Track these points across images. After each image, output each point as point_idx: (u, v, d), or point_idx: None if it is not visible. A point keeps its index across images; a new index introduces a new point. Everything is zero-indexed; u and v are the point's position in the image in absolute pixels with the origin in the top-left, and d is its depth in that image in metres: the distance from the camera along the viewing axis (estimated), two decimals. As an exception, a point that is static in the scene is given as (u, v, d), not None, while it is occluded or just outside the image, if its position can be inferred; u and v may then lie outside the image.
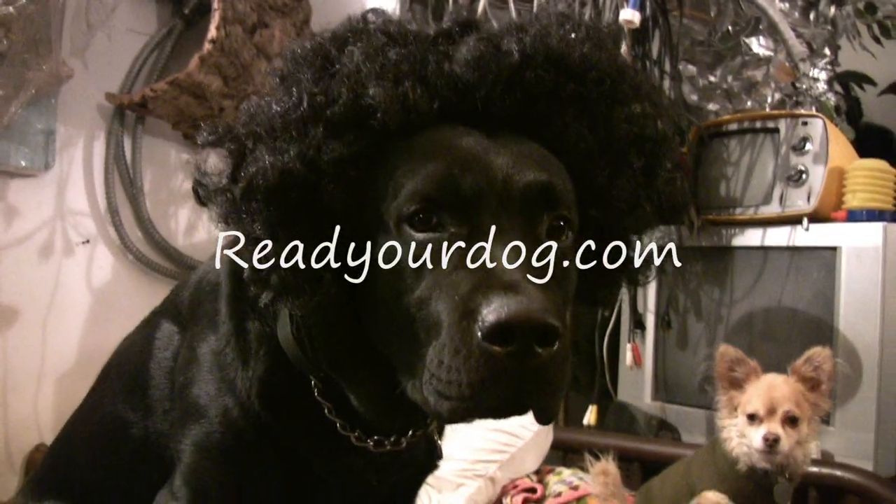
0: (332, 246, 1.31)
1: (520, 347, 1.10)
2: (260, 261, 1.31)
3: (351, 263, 1.32)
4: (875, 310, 3.04)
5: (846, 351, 3.05)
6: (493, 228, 1.23)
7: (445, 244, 1.24)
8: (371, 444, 1.50)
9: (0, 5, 3.01)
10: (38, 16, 3.14)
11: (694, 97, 3.97)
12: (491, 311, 1.10)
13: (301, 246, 1.30)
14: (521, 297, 1.11)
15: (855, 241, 3.11)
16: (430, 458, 1.72)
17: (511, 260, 1.19)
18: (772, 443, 2.31)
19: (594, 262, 1.43)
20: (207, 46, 3.23)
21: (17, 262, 3.36)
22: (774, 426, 2.33)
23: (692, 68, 3.97)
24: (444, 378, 1.16)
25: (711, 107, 3.94)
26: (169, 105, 3.37)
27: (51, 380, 3.44)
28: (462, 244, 1.23)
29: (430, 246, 1.25)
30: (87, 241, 3.54)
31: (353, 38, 1.36)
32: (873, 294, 3.05)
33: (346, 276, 1.33)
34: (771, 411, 2.35)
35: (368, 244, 1.31)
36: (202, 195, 1.39)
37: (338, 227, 1.31)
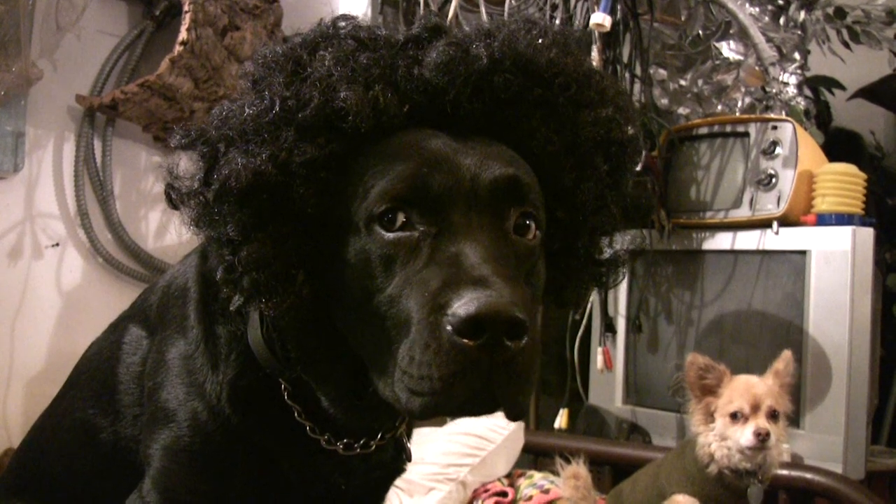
0: (302, 247, 1.33)
1: (489, 340, 1.11)
2: (232, 263, 1.32)
3: (322, 265, 1.34)
4: (844, 313, 3.06)
5: (815, 354, 3.07)
6: (462, 225, 1.25)
7: (415, 242, 1.25)
8: (341, 447, 1.50)
9: (-31, 7, 2.99)
10: (7, 17, 3.13)
11: (664, 101, 3.98)
12: (461, 305, 1.12)
13: (274, 248, 1.31)
14: (490, 291, 1.13)
15: (824, 244, 3.13)
16: (397, 460, 1.72)
17: (480, 256, 1.20)
18: (764, 437, 2.32)
19: (562, 263, 1.46)
20: (178, 48, 3.22)
21: (-15, 264, 3.34)
22: (762, 421, 2.35)
23: (663, 72, 3.98)
24: (416, 374, 1.17)
25: (682, 111, 3.95)
26: (139, 107, 3.36)
27: (19, 383, 3.42)
28: (431, 242, 1.24)
29: (399, 244, 1.26)
30: (57, 244, 3.52)
31: (323, 43, 1.37)
32: (842, 297, 3.06)
33: (318, 277, 1.34)
34: (755, 408, 2.37)
35: (340, 245, 1.32)
36: (174, 198, 1.39)
37: (309, 229, 1.33)
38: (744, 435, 2.35)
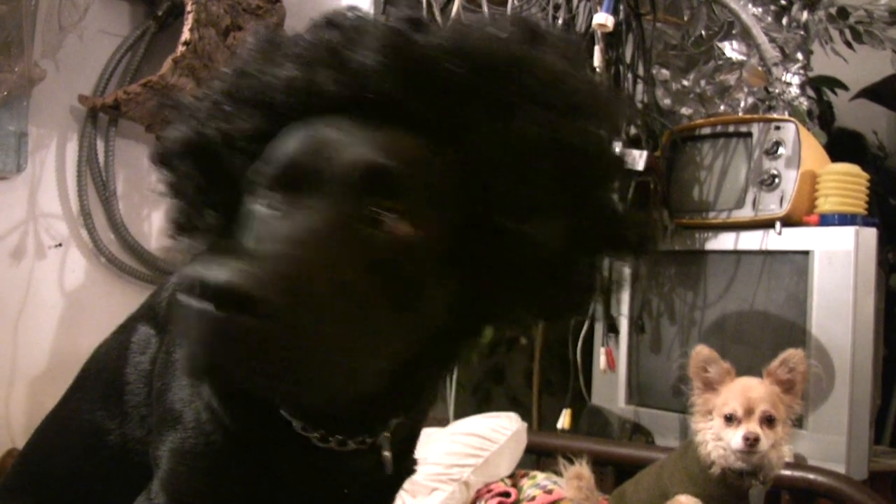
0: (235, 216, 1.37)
1: (218, 308, 1.06)
2: (173, 224, 1.40)
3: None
4: (847, 313, 3.06)
5: (818, 354, 3.06)
6: (305, 208, 1.22)
7: (267, 220, 1.25)
8: (316, 436, 1.44)
9: (-29, 7, 3.00)
10: (10, 17, 3.13)
11: (667, 101, 3.98)
12: (200, 269, 1.08)
13: (208, 213, 1.39)
14: (239, 263, 1.08)
15: (827, 244, 3.13)
16: (404, 462, 1.70)
17: (285, 234, 1.18)
18: (752, 442, 2.31)
19: (501, 277, 1.34)
20: (180, 48, 3.22)
21: (-12, 264, 3.35)
22: (753, 426, 2.33)
23: (665, 72, 3.98)
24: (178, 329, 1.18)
25: (684, 111, 3.94)
26: (142, 107, 3.36)
27: (22, 384, 3.42)
28: (277, 220, 1.24)
29: (260, 219, 1.27)
30: (60, 245, 3.53)
31: (309, 28, 1.39)
32: (845, 298, 3.06)
33: None
34: (749, 412, 2.35)
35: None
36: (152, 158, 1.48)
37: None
38: (734, 438, 2.35)
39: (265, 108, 1.34)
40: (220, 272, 1.06)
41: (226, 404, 1.49)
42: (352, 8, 1.42)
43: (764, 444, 2.33)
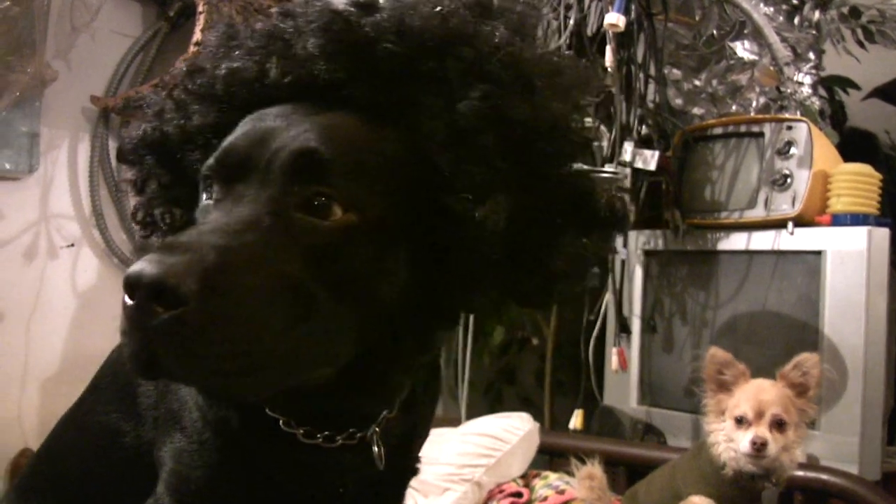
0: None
1: (134, 300, 1.07)
2: (133, 217, 1.42)
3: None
4: (860, 313, 3.05)
5: (831, 355, 3.06)
6: (236, 196, 1.22)
7: (209, 210, 1.26)
8: (301, 432, 1.43)
9: (-17, 8, 3.00)
10: (22, 18, 3.14)
11: (679, 101, 3.97)
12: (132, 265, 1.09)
13: (170, 207, 1.42)
14: (160, 256, 1.07)
15: (839, 244, 3.12)
16: (407, 461, 1.69)
17: (212, 226, 1.17)
18: (759, 447, 2.31)
19: (453, 261, 1.31)
20: (192, 49, 3.23)
21: (0, 265, 3.35)
22: (762, 430, 2.33)
23: (677, 72, 3.97)
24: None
25: (696, 111, 3.94)
26: (154, 108, 3.36)
27: (35, 383, 3.43)
28: (211, 210, 1.24)
29: (202, 212, 1.29)
30: (72, 245, 3.54)
31: (268, 19, 1.40)
32: (858, 298, 3.06)
33: None
34: (759, 415, 2.35)
35: None
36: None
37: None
38: (743, 441, 2.34)
39: (218, 102, 1.36)
40: (138, 265, 1.07)
41: (211, 403, 1.49)
42: None
43: (772, 449, 2.32)
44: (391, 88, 1.28)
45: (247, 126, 1.29)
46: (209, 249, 1.10)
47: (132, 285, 1.06)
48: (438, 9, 1.32)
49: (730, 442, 2.39)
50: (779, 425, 2.35)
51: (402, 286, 1.31)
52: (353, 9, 1.33)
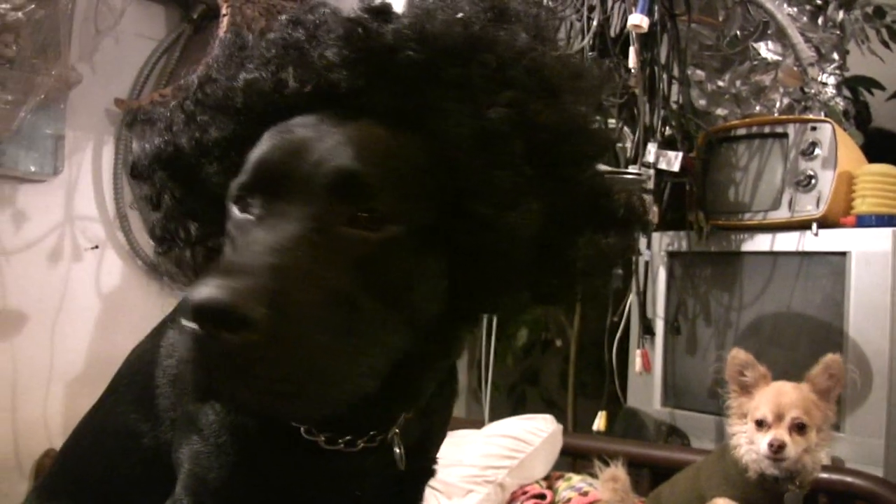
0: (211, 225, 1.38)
1: (202, 328, 1.06)
2: (150, 234, 1.41)
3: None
4: (885, 315, 3.04)
5: (856, 356, 3.05)
6: (279, 213, 1.21)
7: (246, 227, 1.24)
8: (322, 439, 1.43)
9: (8, 11, 3.01)
10: (47, 21, 3.15)
11: (702, 102, 3.96)
12: (191, 291, 1.07)
13: (184, 223, 1.39)
14: (223, 280, 1.07)
15: (864, 246, 3.11)
16: (422, 462, 1.68)
17: (264, 244, 1.16)
18: (777, 449, 2.30)
19: (480, 265, 1.32)
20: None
21: (25, 267, 3.37)
22: (781, 433, 2.32)
23: (700, 73, 3.96)
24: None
25: (720, 112, 3.93)
26: (177, 110, 3.37)
27: (60, 385, 3.45)
28: (252, 227, 1.23)
29: (237, 228, 1.26)
30: (97, 247, 3.55)
31: (275, 27, 1.38)
32: (883, 299, 3.04)
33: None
34: (778, 418, 2.34)
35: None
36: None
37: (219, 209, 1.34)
38: (761, 444, 2.33)
39: (235, 113, 1.34)
40: (201, 290, 1.05)
41: (229, 408, 1.49)
42: (320, 4, 1.41)
43: (791, 451, 2.31)
44: (412, 95, 1.28)
45: (275, 138, 1.28)
46: (268, 271, 1.10)
47: (200, 312, 1.05)
48: (460, 15, 1.32)
49: (751, 444, 2.38)
50: (799, 428, 2.34)
51: (436, 292, 1.32)
52: (368, 16, 1.32)
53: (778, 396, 2.37)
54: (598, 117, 1.41)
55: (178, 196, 1.38)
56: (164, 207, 1.40)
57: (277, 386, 1.10)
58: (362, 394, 1.23)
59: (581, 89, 1.37)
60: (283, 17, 1.39)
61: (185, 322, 1.08)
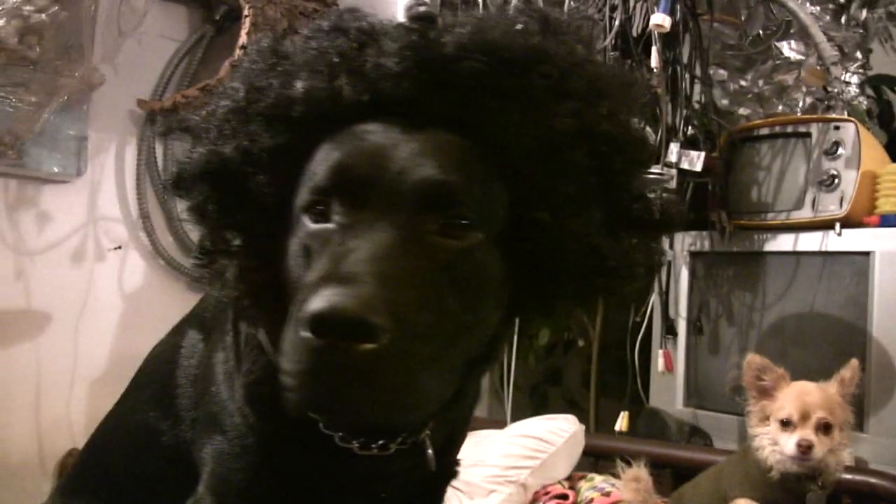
0: (260, 238, 1.36)
1: (330, 340, 1.06)
2: (198, 247, 1.38)
3: (277, 256, 1.34)
4: (908, 315, 3.03)
5: (879, 356, 3.03)
6: (371, 220, 1.20)
7: (329, 235, 1.23)
8: (356, 445, 1.43)
9: (32, 12, 3.03)
10: (70, 22, 3.17)
11: (724, 101, 3.95)
12: (310, 302, 1.07)
13: (232, 236, 1.37)
14: (345, 289, 1.07)
15: (888, 245, 3.09)
16: (443, 473, 1.68)
17: (369, 252, 1.15)
18: (805, 449, 2.29)
19: (542, 270, 1.35)
20: (238, 52, 3.24)
21: (49, 267, 3.38)
22: (808, 433, 2.31)
23: (723, 72, 3.96)
24: (283, 367, 1.14)
25: (742, 111, 3.92)
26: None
27: (83, 385, 3.46)
28: (339, 235, 1.21)
29: (316, 236, 1.25)
30: (120, 247, 3.56)
31: (311, 34, 1.37)
32: (907, 299, 3.03)
33: (273, 269, 1.35)
34: (804, 417, 2.33)
35: (287, 236, 1.32)
36: (167, 184, 1.47)
37: (270, 220, 1.34)
38: (788, 444, 2.33)
39: (290, 122, 1.33)
40: (321, 300, 1.06)
41: (254, 406, 1.50)
42: (352, 10, 1.42)
43: (818, 451, 2.30)
44: (470, 105, 1.29)
45: (349, 145, 1.28)
46: (377, 279, 1.11)
47: (326, 321, 1.06)
48: (519, 26, 1.34)
49: (775, 445, 2.38)
50: (825, 428, 2.33)
51: (504, 299, 1.34)
52: (426, 24, 1.33)
53: (803, 396, 2.36)
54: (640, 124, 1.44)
55: (223, 208, 1.36)
56: (209, 220, 1.38)
57: (397, 396, 1.12)
58: (446, 401, 1.26)
59: (631, 98, 1.40)
60: (323, 23, 1.39)
61: (302, 333, 1.08)
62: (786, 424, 2.35)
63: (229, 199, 1.35)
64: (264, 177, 1.32)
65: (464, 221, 1.23)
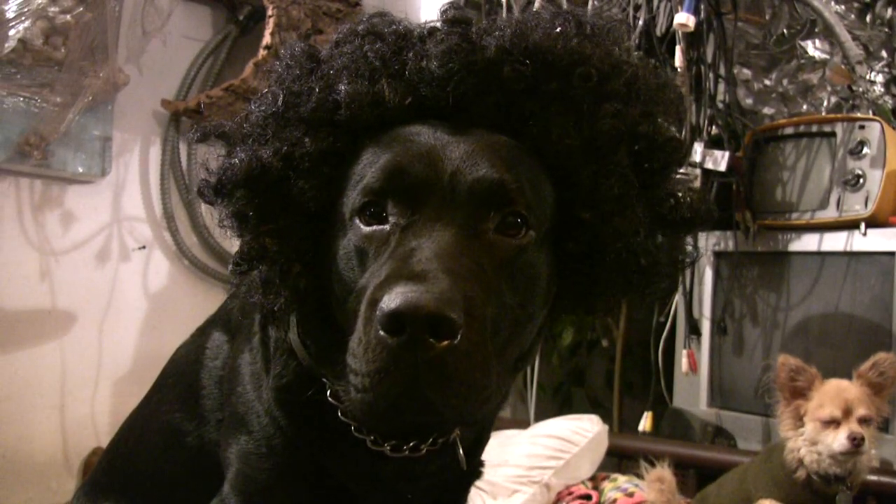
0: (302, 241, 1.36)
1: (410, 337, 1.07)
2: (240, 256, 1.38)
3: (320, 259, 1.35)
4: (934, 315, 3.01)
5: (905, 357, 3.02)
6: (431, 219, 1.22)
7: (386, 235, 1.24)
8: (388, 448, 1.45)
9: (57, 14, 3.04)
10: (95, 23, 3.18)
11: (749, 101, 3.94)
12: (386, 300, 1.08)
13: (272, 240, 1.35)
14: (421, 286, 1.09)
15: (913, 245, 3.08)
16: (467, 473, 1.67)
17: (433, 251, 1.17)
18: (858, 442, 2.28)
19: (586, 267, 1.38)
20: (262, 53, 3.25)
21: (74, 267, 3.40)
22: (856, 426, 2.30)
23: (747, 72, 3.95)
24: (352, 369, 1.15)
25: (767, 110, 3.91)
26: (224, 111, 3.39)
27: (107, 384, 3.48)
28: (399, 234, 1.23)
29: (372, 238, 1.26)
30: (144, 247, 3.57)
31: (347, 39, 1.38)
32: (932, 299, 3.02)
33: (316, 272, 1.36)
34: (847, 413, 2.32)
35: (333, 238, 1.33)
36: (202, 190, 1.44)
37: (311, 223, 1.35)
38: (837, 440, 2.31)
39: (334, 126, 1.33)
40: (403, 298, 1.07)
41: (284, 408, 1.51)
42: (381, 14, 1.42)
43: (868, 444, 2.30)
44: (512, 107, 1.32)
45: (399, 147, 1.29)
46: (448, 277, 1.12)
47: (408, 318, 1.07)
48: (559, 30, 1.35)
49: (814, 445, 2.36)
50: (865, 422, 2.33)
51: (551, 296, 1.38)
52: (466, 28, 1.34)
53: (842, 393, 2.36)
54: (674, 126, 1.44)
55: (264, 213, 1.36)
56: (249, 226, 1.38)
57: (472, 391, 1.13)
58: (506, 396, 1.27)
59: (667, 100, 1.42)
60: (357, 27, 1.40)
61: (378, 332, 1.09)
62: (829, 423, 2.34)
63: (270, 205, 1.35)
64: (306, 181, 1.32)
65: (518, 220, 1.26)
